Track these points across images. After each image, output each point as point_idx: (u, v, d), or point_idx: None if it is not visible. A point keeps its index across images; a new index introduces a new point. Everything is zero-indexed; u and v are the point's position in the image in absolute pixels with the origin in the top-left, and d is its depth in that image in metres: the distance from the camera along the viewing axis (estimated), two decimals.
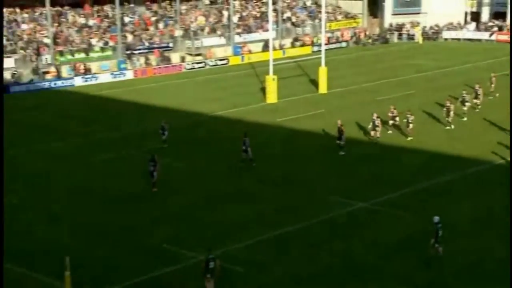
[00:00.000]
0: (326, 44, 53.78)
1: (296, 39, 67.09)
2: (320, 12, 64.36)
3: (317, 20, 69.05)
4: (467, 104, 37.42)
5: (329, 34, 66.23)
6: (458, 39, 69.48)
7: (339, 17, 72.43)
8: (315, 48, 64.35)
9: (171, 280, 19.56)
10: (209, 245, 19.08)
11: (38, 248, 21.67)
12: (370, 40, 70.26)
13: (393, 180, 27.95)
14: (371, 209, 24.96)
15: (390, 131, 34.60)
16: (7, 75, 49.36)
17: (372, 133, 33.48)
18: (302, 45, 66.38)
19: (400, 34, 71.37)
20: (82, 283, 18.62)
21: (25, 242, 22.13)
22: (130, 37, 58.13)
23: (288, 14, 70.08)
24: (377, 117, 33.47)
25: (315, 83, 48.69)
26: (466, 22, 71.60)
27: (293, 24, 69.06)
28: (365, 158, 31.45)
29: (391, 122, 34.72)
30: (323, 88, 46.87)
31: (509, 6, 67.08)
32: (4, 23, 53.37)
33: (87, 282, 19.09)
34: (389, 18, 72.75)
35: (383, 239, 22.10)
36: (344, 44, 68.84)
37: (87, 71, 52.64)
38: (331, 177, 28.68)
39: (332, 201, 25.71)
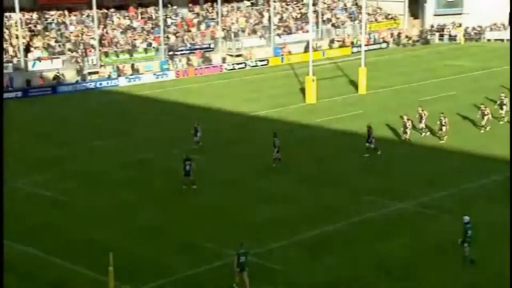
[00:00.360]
0: (366, 45, 53.77)
1: (336, 40, 67.16)
2: (360, 13, 64.32)
3: (357, 21, 68.97)
4: (504, 107, 36.97)
5: (368, 35, 66.06)
6: (502, 40, 68.31)
7: (380, 18, 72.11)
8: (355, 49, 64.29)
9: (208, 278, 20.08)
10: (244, 242, 19.48)
11: (83, 244, 22.54)
12: (410, 41, 69.73)
13: (430, 181, 27.96)
14: (410, 210, 25.08)
15: (424, 134, 34.47)
16: (56, 76, 51.06)
17: (404, 135, 33.57)
18: (342, 46, 66.42)
19: (441, 35, 70.62)
20: (124, 279, 19.21)
21: (71, 237, 23.08)
22: (172, 38, 59.31)
23: (328, 15, 70.17)
24: (408, 119, 33.56)
25: (354, 84, 48.76)
26: (510, 22, 70.27)
27: (333, 25, 69.11)
28: (403, 159, 31.54)
29: (420, 125, 34.56)
30: (362, 89, 46.94)
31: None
32: (53, 26, 55.21)
33: (128, 278, 19.69)
34: (431, 19, 72.03)
35: (422, 241, 22.18)
36: (384, 45, 68.52)
37: (133, 71, 53.96)
38: (369, 178, 28.86)
39: (369, 202, 25.90)
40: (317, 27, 66.51)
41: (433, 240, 22.17)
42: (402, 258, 21.03)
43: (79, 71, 51.98)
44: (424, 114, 34.47)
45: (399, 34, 70.16)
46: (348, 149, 33.34)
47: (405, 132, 33.68)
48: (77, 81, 51.55)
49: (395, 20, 72.20)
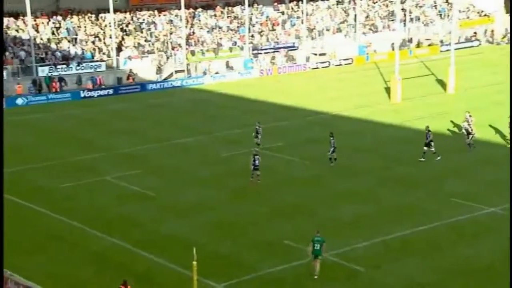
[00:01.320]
0: (456, 44, 51.97)
1: (424, 39, 65.33)
2: (451, 10, 62.21)
3: (447, 19, 66.74)
4: None
5: (459, 33, 63.76)
6: None
7: (472, 16, 69.43)
8: (444, 48, 62.30)
9: (287, 276, 20.12)
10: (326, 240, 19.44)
11: (167, 238, 23.14)
12: (505, 39, 66.65)
13: None
14: (497, 214, 24.07)
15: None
16: (145, 74, 52.89)
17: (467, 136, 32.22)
18: (430, 45, 64.52)
19: None
20: (205, 274, 19.50)
21: (156, 231, 23.77)
22: (257, 37, 59.86)
23: (416, 13, 68.37)
24: (470, 116, 32.74)
25: (442, 83, 47.29)
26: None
27: (421, 23, 67.28)
28: (491, 160, 30.27)
29: (463, 129, 32.86)
30: (451, 88, 45.44)
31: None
32: (143, 25, 57.16)
33: (210, 273, 19.98)
34: None
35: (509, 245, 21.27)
36: (475, 43, 65.93)
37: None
38: (455, 179, 27.94)
39: (455, 204, 25.10)
40: (405, 25, 64.95)
41: None
42: (489, 262, 20.25)
43: (159, 69, 53.32)
44: (472, 120, 32.87)
45: (492, 32, 67.25)
46: (436, 150, 32.34)
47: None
48: (164, 79, 53.14)
49: (488, 17, 69.27)
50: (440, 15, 68.91)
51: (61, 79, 48.99)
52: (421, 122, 37.71)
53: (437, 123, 37.19)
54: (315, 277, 19.62)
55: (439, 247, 21.72)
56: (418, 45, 64.60)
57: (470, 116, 33.30)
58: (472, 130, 32.37)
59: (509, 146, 32.01)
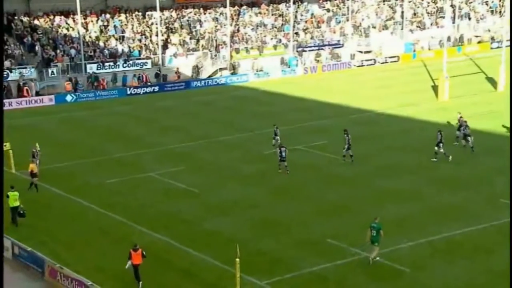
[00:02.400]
0: (507, 40, 50.54)
1: (474, 36, 63.78)
2: (503, 6, 60.53)
3: (498, 15, 64.96)
4: None
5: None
6: None
7: None
8: (494, 45, 60.69)
9: (330, 274, 20.00)
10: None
11: (210, 234, 23.28)
12: None
13: None
14: None
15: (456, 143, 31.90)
16: (189, 72, 53.42)
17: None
18: (480, 42, 62.94)
19: None
20: (248, 271, 19.56)
21: (199, 228, 23.97)
22: (302, 35, 59.61)
23: (466, 9, 66.81)
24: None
25: (493, 81, 46.08)
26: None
27: (471, 19, 65.70)
28: None
29: (457, 132, 32.18)
30: (502, 86, 44.23)
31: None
32: (189, 23, 57.67)
33: (252, 271, 20.04)
34: None
35: None
36: None
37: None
38: (503, 179, 27.09)
39: (503, 205, 24.34)
40: (454, 22, 63.55)
41: None
42: None
43: (214, 67, 53.71)
44: (465, 122, 32.06)
45: None
46: (483, 150, 31.58)
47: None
48: (209, 75, 53.51)
49: None
50: (492, 11, 67.12)
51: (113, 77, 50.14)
52: (470, 121, 36.84)
53: (486, 122, 36.29)
54: (370, 260, 20.09)
55: (486, 249, 21.22)
56: (468, 42, 63.12)
57: (461, 117, 32.31)
58: (467, 132, 31.49)
59: None
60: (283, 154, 29.07)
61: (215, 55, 54.94)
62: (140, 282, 19.16)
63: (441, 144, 30.17)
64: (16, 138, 32.02)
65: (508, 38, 52.17)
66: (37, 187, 27.47)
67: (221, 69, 54.61)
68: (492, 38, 62.87)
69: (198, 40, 55.79)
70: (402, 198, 26.02)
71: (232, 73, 54.21)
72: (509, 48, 48.57)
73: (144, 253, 19.35)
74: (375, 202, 25.67)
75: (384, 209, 24.85)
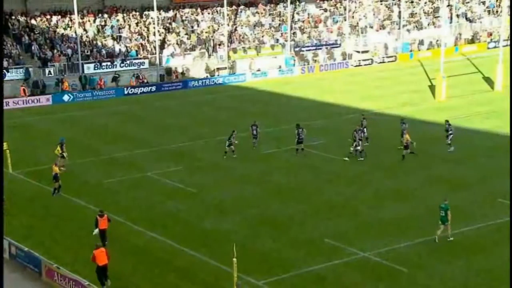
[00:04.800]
0: (504, 40, 50.63)
1: (470, 36, 63.88)
2: (500, 6, 60.63)
3: (494, 15, 65.06)
4: None
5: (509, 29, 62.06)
6: None
7: None
8: (491, 45, 60.81)
9: (328, 274, 19.98)
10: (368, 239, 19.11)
11: (208, 234, 23.27)
12: None
13: None
14: None
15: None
16: (187, 72, 53.33)
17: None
18: (477, 42, 63.03)
19: None
20: (246, 271, 19.59)
21: (197, 227, 23.92)
22: (299, 35, 59.59)
23: (463, 9, 66.89)
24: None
25: (489, 81, 46.15)
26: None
27: (468, 19, 65.79)
28: None
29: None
30: (499, 86, 44.30)
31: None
32: (186, 23, 57.62)
33: (251, 270, 20.03)
34: None
35: None
36: None
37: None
38: (501, 180, 27.11)
39: (501, 205, 24.41)
40: (451, 22, 63.66)
41: None
42: None
43: (211, 67, 53.74)
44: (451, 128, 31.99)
45: None
46: (478, 149, 31.64)
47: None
48: (207, 75, 53.46)
49: None
50: (488, 11, 67.22)
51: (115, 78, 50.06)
52: (467, 120, 36.95)
53: (484, 121, 36.34)
54: (449, 239, 21.47)
55: (484, 249, 21.23)
56: (465, 42, 63.21)
57: (449, 125, 32.15)
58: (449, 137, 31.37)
59: None
60: (301, 136, 31.17)
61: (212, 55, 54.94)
62: (108, 281, 19.11)
63: (409, 144, 30.49)
64: (13, 138, 31.94)
65: (505, 37, 52.27)
66: (59, 190, 27.07)
67: (218, 69, 54.57)
68: (491, 34, 62.99)
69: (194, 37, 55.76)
70: (400, 198, 26.03)
71: (229, 73, 54.13)
72: (506, 47, 48.69)
73: (109, 218, 21.43)
74: (374, 202, 25.67)
75: (382, 208, 24.88)
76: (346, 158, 30.75)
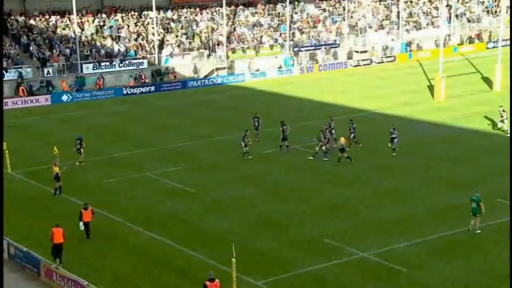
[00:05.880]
0: (503, 40, 50.65)
1: (469, 36, 63.90)
2: (498, 6, 60.66)
3: (493, 15, 65.07)
4: None
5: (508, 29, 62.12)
6: None
7: None
8: (490, 45, 60.82)
9: (328, 274, 19.97)
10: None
11: (207, 234, 23.24)
12: None
13: None
14: None
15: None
16: (186, 72, 53.31)
17: (499, 124, 33.88)
18: (476, 42, 63.05)
19: None
20: (245, 271, 19.63)
21: (196, 228, 23.90)
22: (298, 35, 59.57)
23: (461, 9, 66.91)
24: (504, 111, 33.49)
25: (488, 81, 46.16)
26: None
27: (467, 19, 65.80)
28: None
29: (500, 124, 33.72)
30: (498, 86, 44.31)
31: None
32: (185, 23, 57.57)
33: (250, 271, 20.05)
34: None
35: None
36: None
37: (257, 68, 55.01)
38: (501, 180, 27.16)
39: (500, 205, 24.42)
40: (450, 22, 63.66)
41: None
42: None
43: (210, 67, 53.68)
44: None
45: None
46: (477, 149, 31.65)
47: (501, 121, 33.88)
48: (206, 75, 53.43)
49: None
50: (487, 11, 67.24)
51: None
52: (466, 120, 36.95)
53: (483, 121, 36.35)
54: (477, 231, 21.87)
55: (483, 249, 21.22)
56: (464, 42, 63.23)
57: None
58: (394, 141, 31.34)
59: None
60: (286, 133, 31.62)
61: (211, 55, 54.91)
62: (60, 262, 20.06)
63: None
64: (11, 138, 31.89)
65: (504, 37, 52.28)
66: (60, 190, 27.09)
67: (217, 69, 54.54)
68: (490, 33, 63.01)
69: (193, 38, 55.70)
70: (399, 197, 26.02)
71: (228, 73, 54.10)
72: (505, 47, 48.70)
73: (93, 210, 22.17)
74: (373, 202, 25.67)
75: (381, 208, 24.87)
76: (311, 158, 30.80)
